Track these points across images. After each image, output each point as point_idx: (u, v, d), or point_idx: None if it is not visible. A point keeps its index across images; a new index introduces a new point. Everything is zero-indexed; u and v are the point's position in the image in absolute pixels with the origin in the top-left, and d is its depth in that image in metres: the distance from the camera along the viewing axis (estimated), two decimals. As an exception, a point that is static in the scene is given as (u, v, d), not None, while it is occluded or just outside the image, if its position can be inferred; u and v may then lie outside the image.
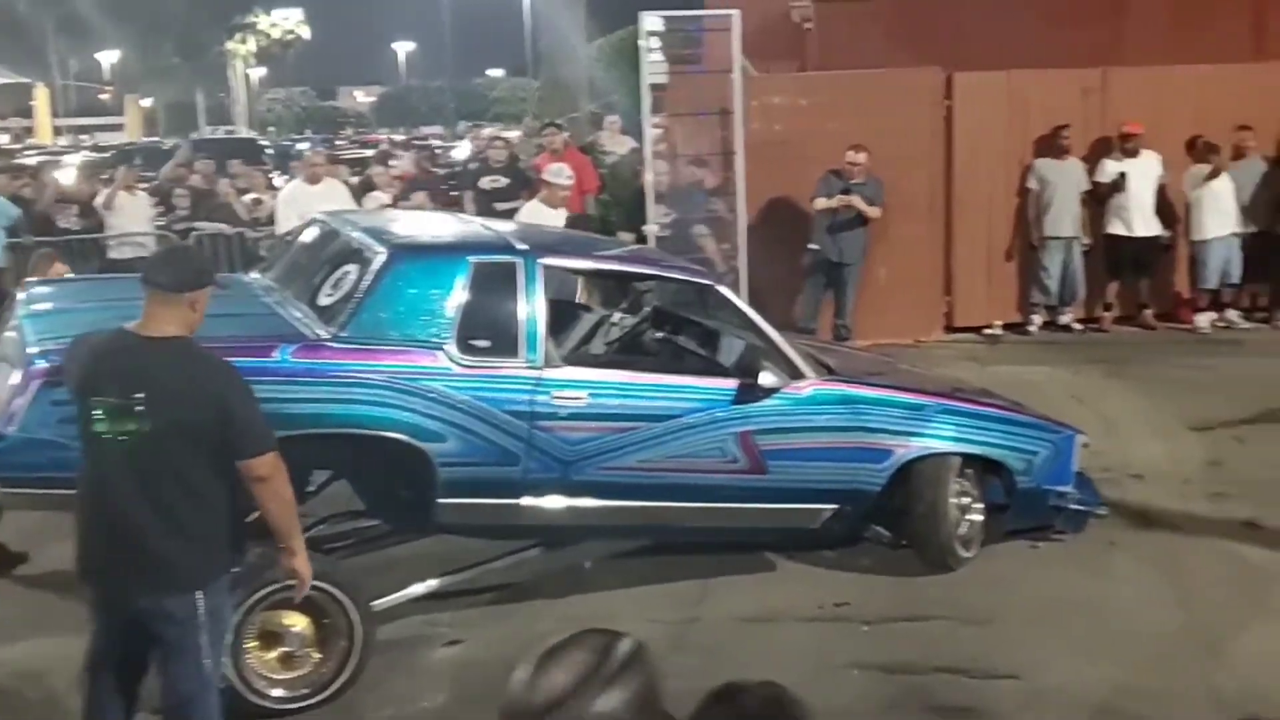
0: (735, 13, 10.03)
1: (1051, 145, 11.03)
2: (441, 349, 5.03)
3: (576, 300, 6.89)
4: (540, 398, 5.17)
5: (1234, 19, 13.60)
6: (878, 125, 10.59)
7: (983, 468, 6.12)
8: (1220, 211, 10.89)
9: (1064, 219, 10.97)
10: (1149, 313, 11.33)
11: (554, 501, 5.30)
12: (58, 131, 37.91)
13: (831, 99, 10.92)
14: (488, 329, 5.16)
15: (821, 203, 10.31)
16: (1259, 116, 11.19)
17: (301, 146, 24.05)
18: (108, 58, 51.31)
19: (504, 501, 5.21)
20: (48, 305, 5.45)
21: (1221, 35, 13.16)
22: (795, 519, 5.83)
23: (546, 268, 5.35)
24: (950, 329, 11.35)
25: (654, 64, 9.72)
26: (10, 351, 4.95)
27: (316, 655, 4.80)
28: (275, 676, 4.76)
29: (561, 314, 6.02)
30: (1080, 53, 12.19)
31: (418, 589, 5.37)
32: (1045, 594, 5.80)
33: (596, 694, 1.68)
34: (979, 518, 6.11)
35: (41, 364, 4.57)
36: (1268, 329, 11.12)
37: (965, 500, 6.05)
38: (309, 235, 6.07)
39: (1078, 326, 11.30)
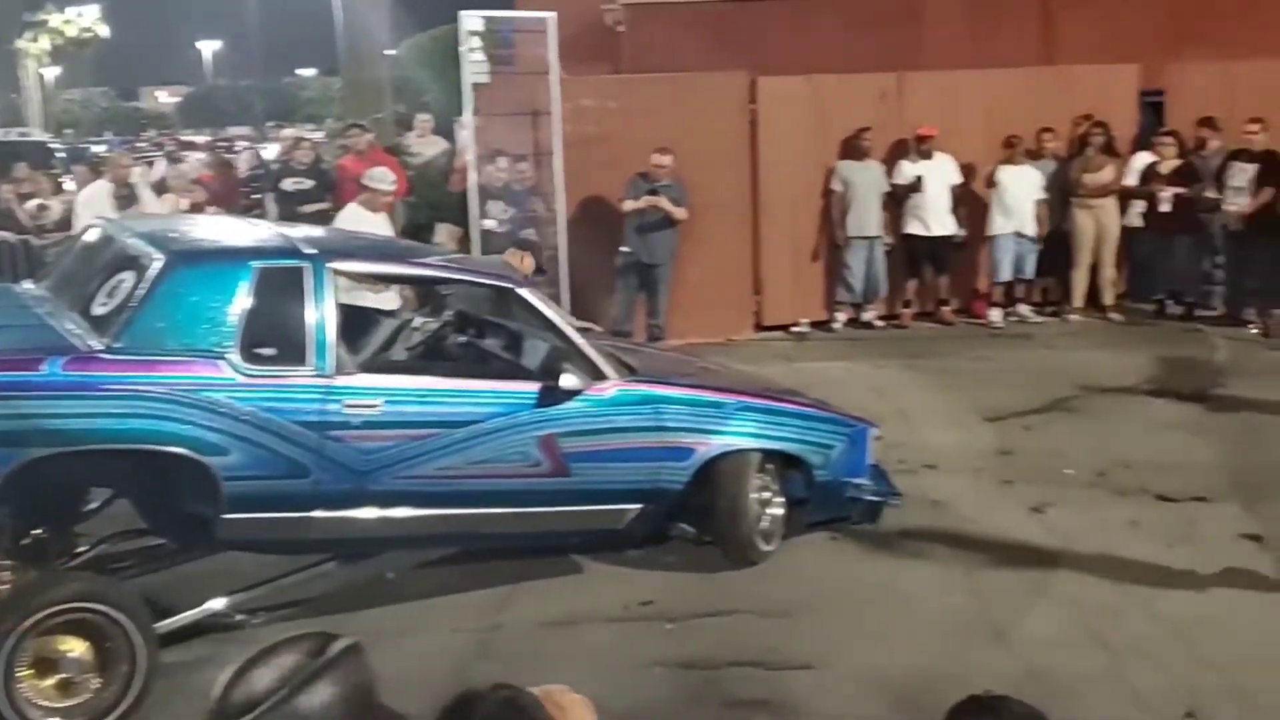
0: (551, 15, 10.01)
1: (853, 147, 11.36)
2: (224, 359, 4.85)
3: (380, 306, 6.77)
4: (331, 406, 5.04)
5: (1024, 25, 14.27)
6: (686, 128, 10.73)
7: (782, 463, 6.25)
8: (1013, 209, 11.40)
9: (866, 219, 11.31)
10: (946, 308, 11.78)
11: (349, 513, 5.18)
12: None
13: (641, 102, 11.00)
14: (274, 337, 5.01)
15: (629, 205, 10.39)
16: (1049, 119, 11.75)
17: (98, 149, 23.00)
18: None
19: (295, 515, 5.06)
20: None
21: (1013, 40, 13.80)
22: (600, 520, 5.83)
23: (336, 272, 5.21)
24: (760, 327, 11.57)
25: (475, 64, 9.62)
26: None
27: (96, 681, 4.57)
28: (52, 705, 4.51)
29: (356, 320, 5.88)
30: (880, 57, 12.59)
31: (205, 608, 5.17)
32: (842, 584, 5.95)
33: (302, 692, 1.63)
34: (780, 512, 6.23)
35: None
36: (1056, 322, 11.68)
37: (766, 495, 6.17)
38: (85, 241, 5.78)
39: (880, 323, 11.67)
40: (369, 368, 5.42)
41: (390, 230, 8.97)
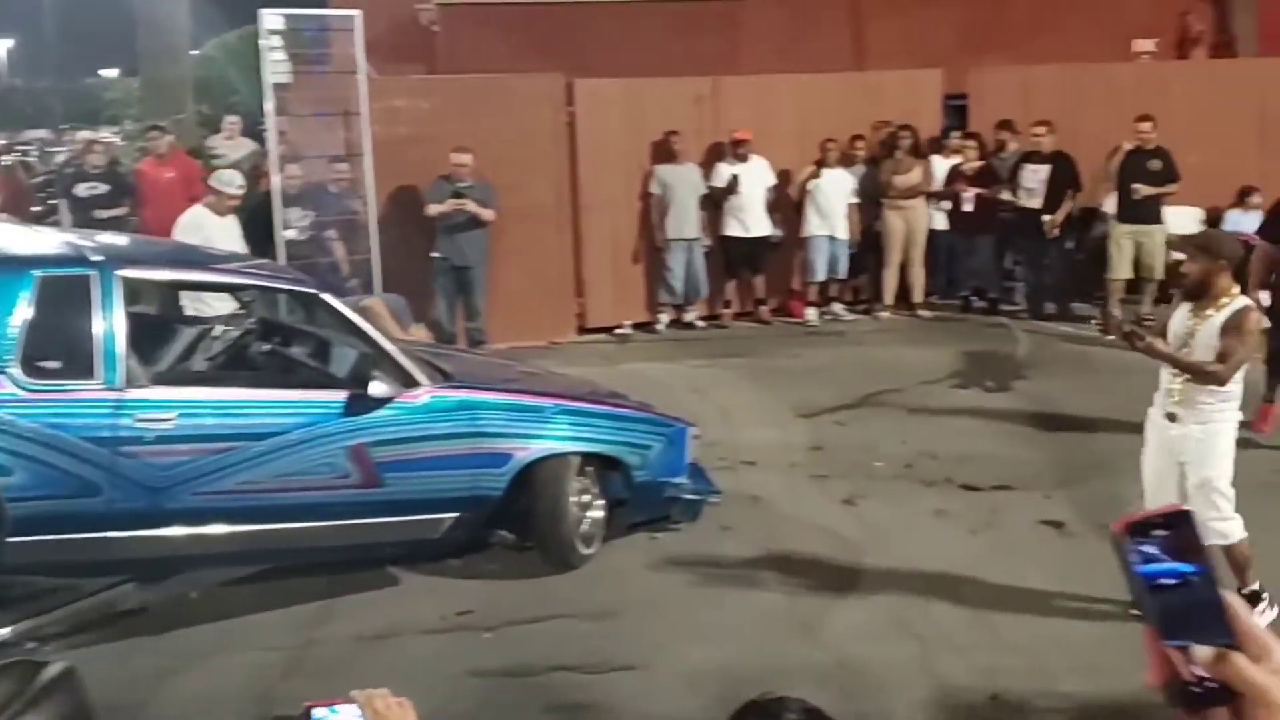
0: (357, 13, 9.79)
1: (665, 150, 11.45)
2: (4, 373, 4.58)
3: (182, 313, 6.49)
4: (122, 421, 4.81)
5: (835, 32, 14.67)
6: (502, 130, 10.65)
7: (602, 464, 6.23)
8: (826, 212, 11.67)
9: (685, 221, 11.42)
10: (764, 308, 12.00)
11: (147, 532, 4.95)
12: None
13: (455, 103, 10.86)
14: (58, 349, 4.76)
15: (433, 209, 10.23)
16: (859, 123, 12.08)
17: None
18: None
19: (88, 536, 4.81)
20: None
21: (825, 47, 14.17)
22: (415, 530, 5.72)
23: (126, 280, 4.97)
24: (583, 330, 11.57)
25: (276, 63, 9.34)
26: None
27: None
28: None
29: (152, 329, 5.63)
30: (697, 62, 12.75)
31: (-8, 637, 4.87)
32: (662, 583, 5.97)
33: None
34: (600, 514, 6.22)
35: None
36: (868, 319, 12.02)
37: (586, 498, 6.14)
38: None
39: (701, 324, 11.81)
40: (163, 379, 5.18)
41: (238, 234, 8.66)
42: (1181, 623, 1.00)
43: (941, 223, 12.01)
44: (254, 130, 12.29)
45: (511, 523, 6.11)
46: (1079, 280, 11.87)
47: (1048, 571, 5.90)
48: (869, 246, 12.03)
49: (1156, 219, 10.89)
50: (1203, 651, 0.99)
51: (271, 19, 9.27)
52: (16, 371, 4.61)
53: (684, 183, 11.41)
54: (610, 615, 5.64)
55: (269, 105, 9.37)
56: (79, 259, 5.04)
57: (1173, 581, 1.01)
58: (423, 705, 4.88)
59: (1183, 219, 11.53)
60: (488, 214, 10.26)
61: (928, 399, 9.11)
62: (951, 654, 5.17)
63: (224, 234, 8.44)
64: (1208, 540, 5.04)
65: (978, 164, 11.70)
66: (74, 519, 4.76)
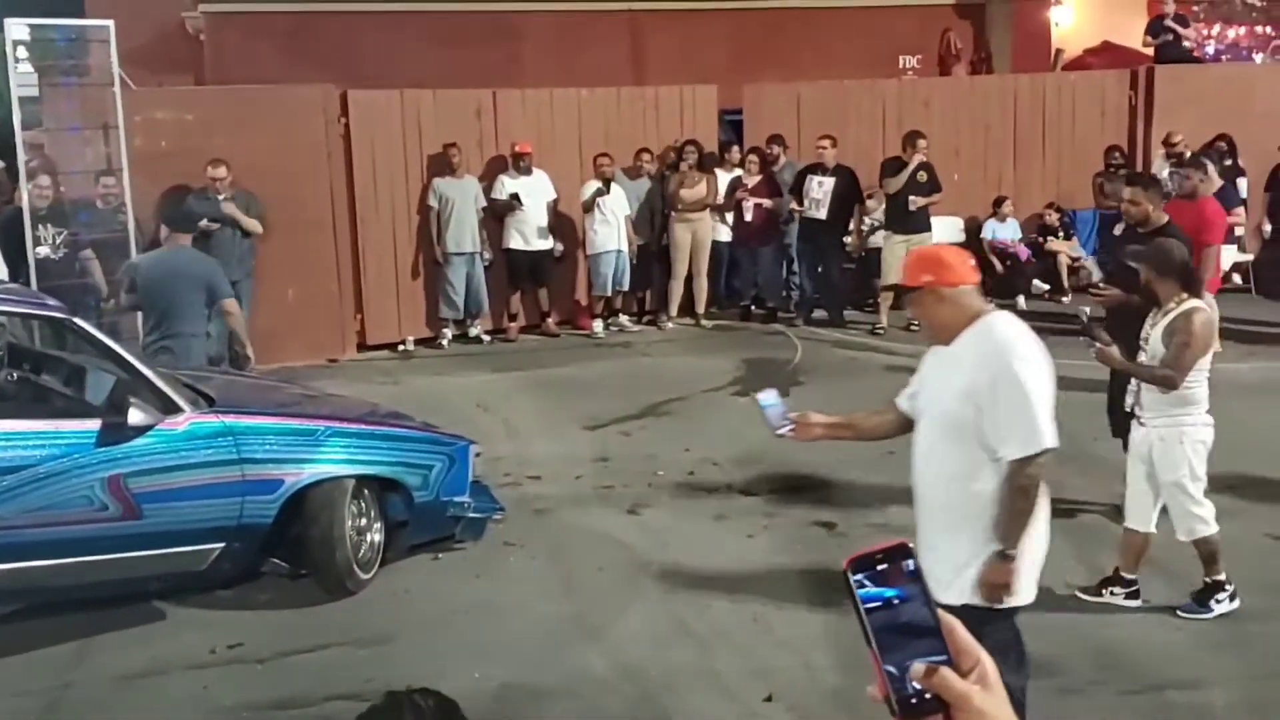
0: (109, 23, 9.36)
1: (444, 163, 11.36)
2: None
3: None
4: None
5: (614, 46, 14.86)
6: (272, 142, 10.36)
7: (381, 486, 6.12)
8: (610, 225, 11.78)
9: (464, 235, 11.35)
10: (551, 320, 12.03)
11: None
12: None
13: (221, 114, 10.51)
14: None
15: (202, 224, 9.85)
16: (638, 136, 12.26)
17: None
18: None
19: None
20: None
21: (603, 60, 14.33)
22: (179, 563, 5.49)
23: None
24: (364, 347, 11.35)
25: (22, 75, 8.81)
26: None
27: None
28: None
29: None
30: (476, 73, 12.71)
31: None
32: (444, 604, 5.90)
33: None
34: (378, 537, 6.10)
35: None
36: (654, 330, 12.20)
37: (363, 522, 6.02)
38: None
39: (487, 337, 11.75)
40: (-104, 414, 4.82)
41: None
42: (896, 641, 1.13)
43: (725, 234, 12.30)
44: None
45: (285, 550, 5.93)
46: (850, 288, 12.37)
47: (819, 570, 6.10)
48: (655, 258, 12.21)
49: (927, 227, 11.43)
50: (915, 666, 1.12)
51: (17, 29, 8.76)
52: None
53: (463, 195, 11.34)
54: (389, 640, 5.53)
55: (16, 119, 8.85)
56: None
57: (878, 604, 1.14)
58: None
59: (945, 228, 12.16)
60: (252, 223, 9.94)
61: (710, 407, 9.31)
62: (730, 655, 5.28)
63: None
64: (1181, 534, 5.26)
65: (758, 177, 12.03)
66: None
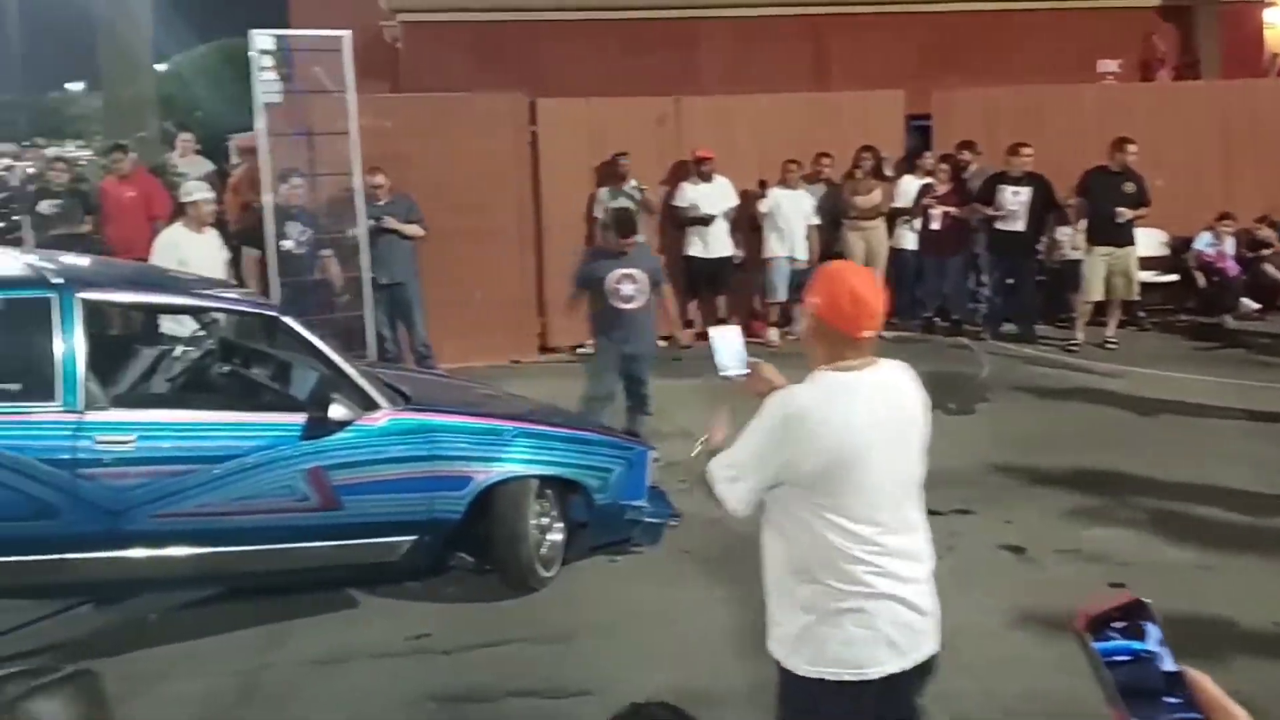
0: (346, 33, 9.76)
1: (611, 172, 11.48)
2: (-39, 395, 4.56)
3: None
4: (82, 443, 4.80)
5: (797, 51, 14.79)
6: (465, 149, 10.66)
7: (563, 487, 6.25)
8: (786, 233, 11.74)
9: None
10: (727, 327, 12.01)
11: (104, 555, 4.93)
12: None
13: (418, 121, 10.87)
14: (19, 371, 4.75)
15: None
16: (820, 143, 12.16)
17: None
18: None
19: (46, 558, 4.79)
20: None
21: (785, 66, 14.28)
22: (373, 554, 5.71)
23: (86, 303, 4.96)
24: (545, 349, 11.58)
25: (267, 82, 9.26)
26: None
27: None
28: None
29: (112, 350, 5.60)
30: (657, 81, 12.82)
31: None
32: (622, 606, 5.98)
33: (40, 702, 1.76)
34: (559, 537, 6.23)
35: None
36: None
37: (545, 521, 6.16)
38: None
39: (662, 343, 11.80)
40: (122, 401, 5.16)
41: (221, 249, 8.62)
42: (1142, 700, 1.09)
43: (910, 242, 12.12)
44: (209, 148, 12.24)
45: (471, 545, 6.12)
46: (1043, 302, 12.02)
47: (1006, 596, 5.95)
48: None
49: (1130, 241, 11.04)
50: None
51: (262, 39, 9.19)
52: (-27, 394, 4.59)
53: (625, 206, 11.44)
54: (568, 639, 5.64)
55: (260, 124, 9.27)
56: (39, 281, 5.03)
57: (1126, 658, 1.11)
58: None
59: (1148, 241, 11.71)
60: (412, 229, 10.18)
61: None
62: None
63: (203, 250, 8.39)
64: None
65: (948, 185, 11.82)
66: (33, 541, 4.74)
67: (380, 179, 10.11)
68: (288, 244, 9.35)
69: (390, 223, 10.08)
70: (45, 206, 10.35)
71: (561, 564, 6.27)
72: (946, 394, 9.78)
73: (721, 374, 3.61)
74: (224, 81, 18.44)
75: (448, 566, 6.21)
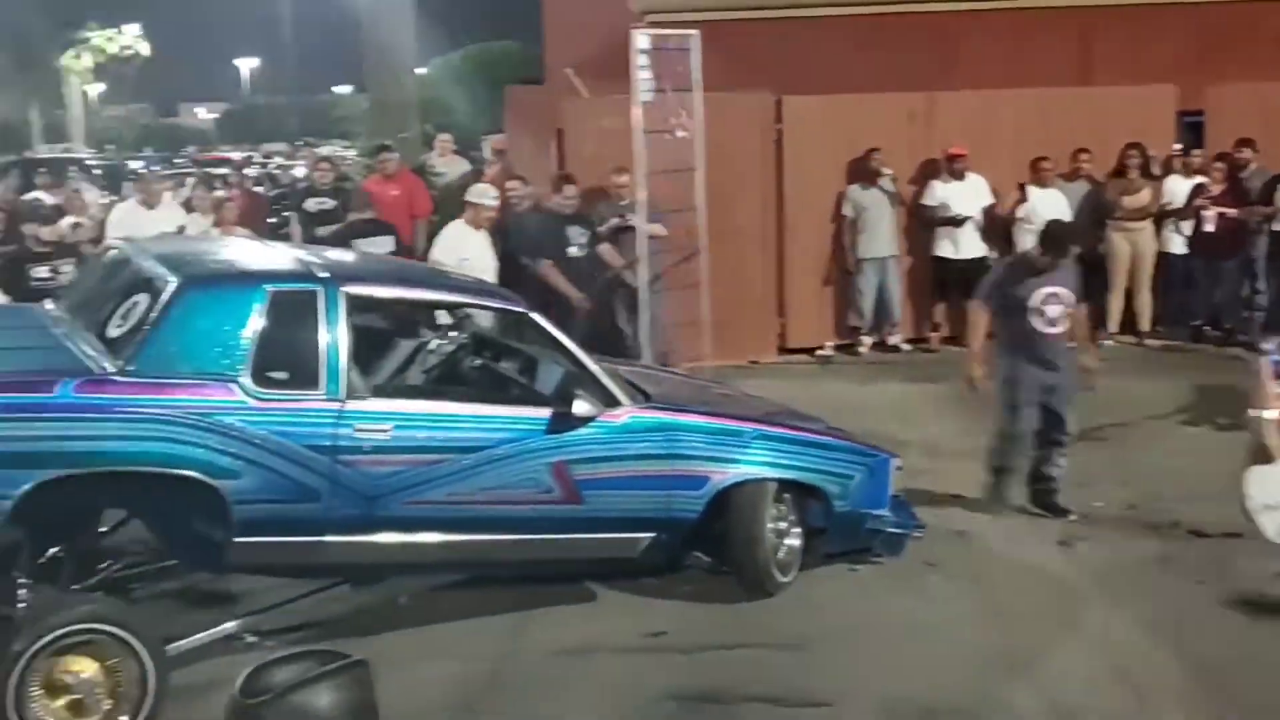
0: (695, 33, 9.88)
1: (862, 169, 11.25)
2: (236, 382, 4.84)
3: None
4: (343, 431, 5.01)
5: (1060, 45, 14.14)
6: (710, 149, 10.64)
7: (801, 492, 6.15)
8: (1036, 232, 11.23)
9: (878, 240, 11.20)
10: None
11: (360, 538, 5.14)
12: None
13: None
14: (286, 360, 4.99)
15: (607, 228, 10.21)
16: (1081, 140, 11.59)
17: (134, 165, 23.15)
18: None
19: (306, 540, 5.02)
20: None
21: (1048, 61, 13.67)
22: (613, 548, 5.76)
23: (349, 296, 5.18)
24: (784, 350, 11.48)
25: (644, 82, 9.46)
26: None
27: (108, 702, 4.52)
28: (64, 726, 4.46)
29: (371, 343, 5.85)
30: (911, 77, 12.48)
31: (217, 631, 5.13)
32: (861, 617, 5.84)
33: (308, 690, 1.78)
34: (797, 542, 6.13)
35: None
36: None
37: (783, 525, 6.07)
38: (105, 263, 5.80)
39: (906, 346, 11.54)
40: (380, 392, 5.37)
41: (489, 248, 8.94)
42: None
43: (1178, 245, 11.42)
44: (464, 150, 12.64)
45: (708, 546, 6.09)
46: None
47: (1280, 627, 5.52)
48: (1092, 270, 11.50)
49: None
50: None
51: (641, 39, 9.36)
52: (247, 381, 4.85)
53: (877, 203, 11.20)
54: (805, 646, 5.54)
55: (638, 125, 9.31)
56: (307, 275, 5.28)
57: None
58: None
59: None
60: (654, 228, 10.11)
61: (1154, 435, 8.65)
62: (1173, 709, 4.88)
63: (480, 248, 8.73)
64: None
65: (1223, 185, 11.07)
66: (294, 523, 4.97)
67: (624, 178, 10.19)
68: (572, 249, 9.48)
69: (638, 220, 10.13)
70: (312, 204, 10.94)
71: (799, 570, 6.16)
72: (1217, 408, 9.15)
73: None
74: (476, 85, 19.13)
75: (684, 565, 6.20)
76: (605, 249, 9.98)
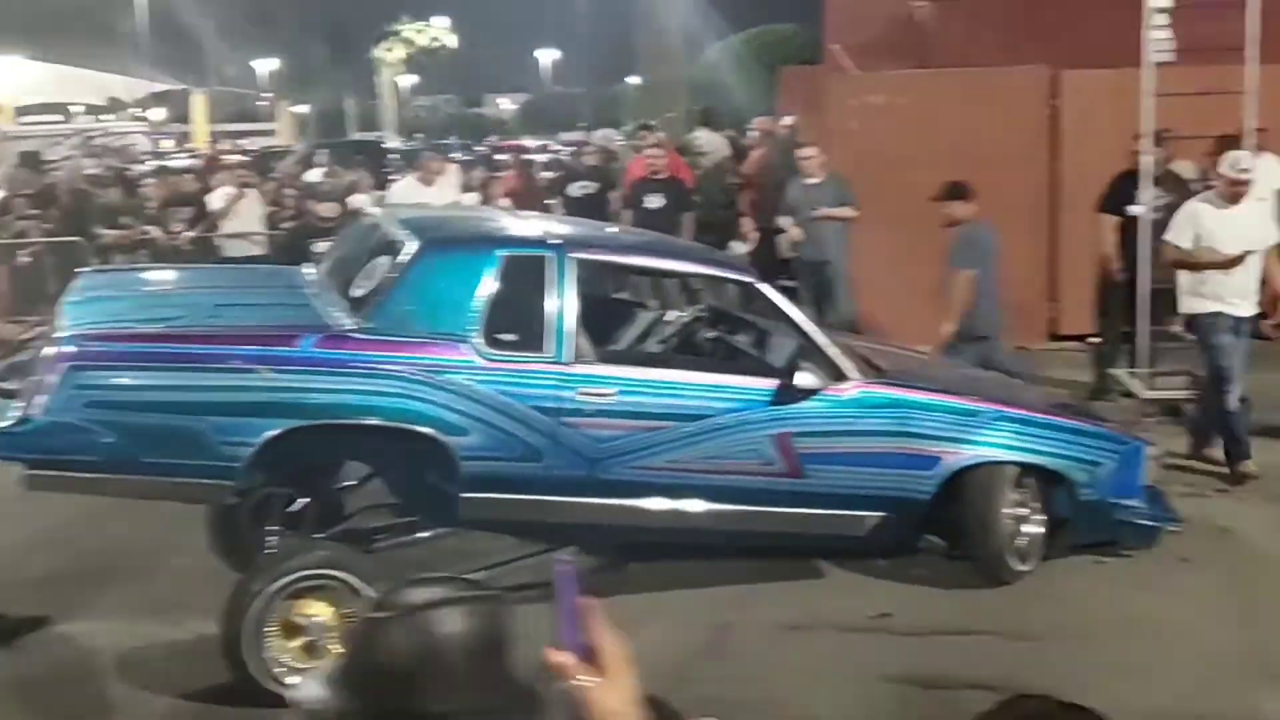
0: None
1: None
2: (467, 342, 5.03)
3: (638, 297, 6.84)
4: (566, 393, 5.14)
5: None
6: (981, 126, 10.27)
7: (1045, 478, 5.85)
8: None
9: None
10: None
11: (579, 499, 5.25)
12: (214, 137, 39.46)
13: (932, 99, 10.62)
14: (515, 323, 5.15)
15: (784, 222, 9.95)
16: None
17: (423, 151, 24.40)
18: (267, 65, 53.44)
19: (527, 498, 5.18)
20: (90, 293, 5.63)
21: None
22: (837, 525, 5.65)
23: (579, 262, 5.30)
24: (1055, 336, 10.92)
25: (1159, 41, 9.17)
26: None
27: (338, 647, 4.82)
28: (296, 665, 4.76)
29: (601, 309, 5.96)
30: (1212, 49, 11.52)
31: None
32: (1102, 611, 5.52)
33: (439, 611, 1.88)
34: (1038, 530, 5.84)
35: (70, 348, 4.71)
36: None
37: (1022, 511, 5.79)
38: (358, 228, 6.15)
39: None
40: (605, 357, 5.45)
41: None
42: None
43: None
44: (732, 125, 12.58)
45: (943, 529, 5.89)
46: None
47: None
48: None
49: None
50: None
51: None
52: (479, 341, 5.04)
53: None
54: (1039, 638, 5.28)
55: (1148, 89, 8.89)
56: (538, 241, 5.45)
57: None
58: (830, 702, 4.80)
59: None
60: (842, 213, 9.73)
61: None
62: None
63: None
64: None
65: None
66: (518, 480, 5.13)
67: (810, 151, 9.83)
68: (1138, 209, 9.07)
69: (829, 211, 9.80)
70: (574, 188, 11.19)
71: (1041, 560, 5.87)
72: None
73: None
74: (756, 68, 19.14)
75: (917, 548, 6.01)
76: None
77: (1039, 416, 5.94)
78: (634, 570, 5.97)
